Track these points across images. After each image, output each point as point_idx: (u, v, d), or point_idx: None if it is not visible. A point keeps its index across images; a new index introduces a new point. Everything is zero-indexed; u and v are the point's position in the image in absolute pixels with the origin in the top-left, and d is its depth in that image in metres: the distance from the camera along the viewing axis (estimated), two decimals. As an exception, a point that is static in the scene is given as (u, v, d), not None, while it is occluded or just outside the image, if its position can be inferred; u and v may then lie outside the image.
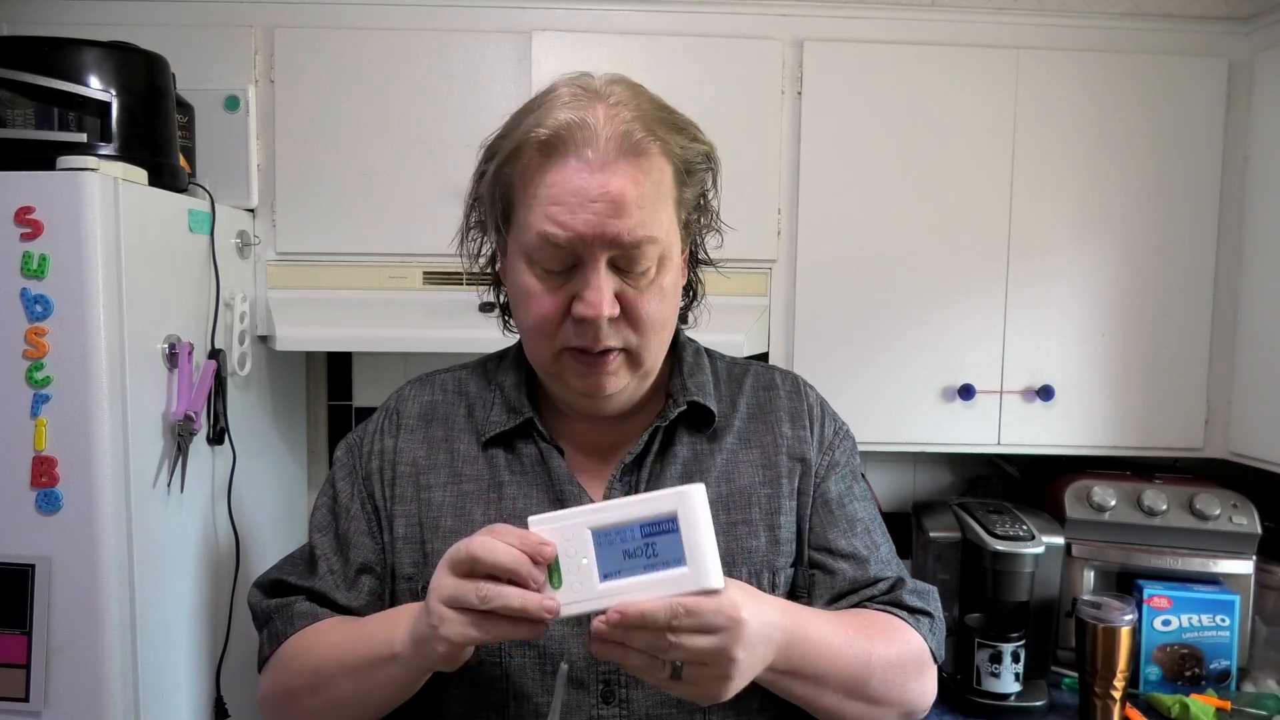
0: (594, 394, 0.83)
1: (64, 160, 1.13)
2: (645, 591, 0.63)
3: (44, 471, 1.11)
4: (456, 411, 0.92)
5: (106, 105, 1.24)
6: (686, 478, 0.86)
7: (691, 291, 0.95)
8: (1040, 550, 1.58)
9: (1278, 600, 1.66)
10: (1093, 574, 1.70)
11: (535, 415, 0.88)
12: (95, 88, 1.23)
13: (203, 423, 1.35)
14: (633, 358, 0.82)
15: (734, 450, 0.90)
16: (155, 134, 1.32)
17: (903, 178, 1.66)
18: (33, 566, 1.12)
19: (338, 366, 1.93)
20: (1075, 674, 1.59)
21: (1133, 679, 1.56)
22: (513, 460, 0.88)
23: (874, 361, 1.68)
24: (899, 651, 0.83)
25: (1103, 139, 1.66)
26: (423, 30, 1.59)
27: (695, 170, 0.83)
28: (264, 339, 1.60)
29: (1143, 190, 1.67)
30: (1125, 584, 1.68)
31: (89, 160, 1.13)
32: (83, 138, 1.23)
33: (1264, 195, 1.63)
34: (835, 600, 0.88)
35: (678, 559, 0.64)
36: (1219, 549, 1.66)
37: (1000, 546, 1.56)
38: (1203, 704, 1.50)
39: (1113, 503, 1.68)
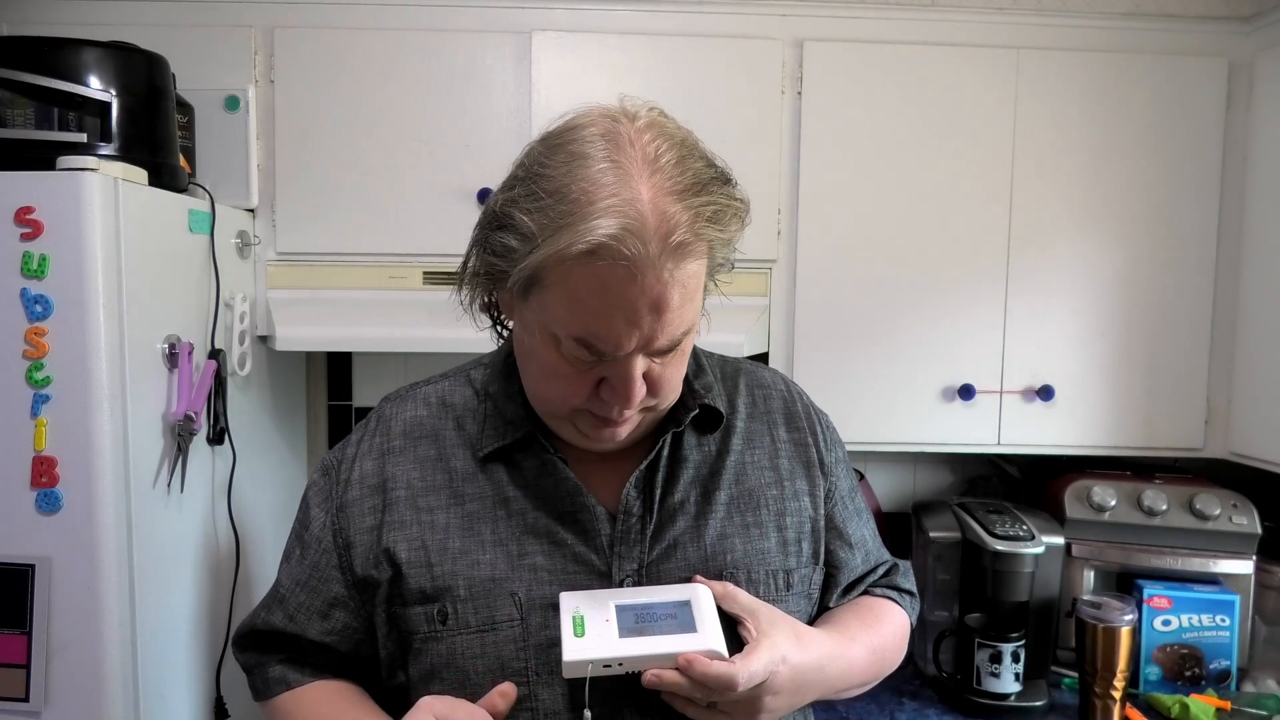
0: (605, 444, 0.81)
1: (64, 160, 1.13)
2: (658, 647, 0.72)
3: (44, 471, 1.11)
4: (444, 427, 0.87)
5: (106, 105, 1.24)
6: (699, 483, 0.85)
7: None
8: (1040, 550, 1.58)
9: (1278, 600, 1.66)
10: (1093, 574, 1.70)
11: (535, 427, 0.84)
12: (95, 88, 1.24)
13: (203, 423, 1.35)
14: (650, 410, 0.81)
15: (740, 451, 0.88)
16: (155, 134, 1.32)
17: (903, 178, 1.66)
18: (33, 566, 1.12)
19: (338, 366, 1.93)
20: (1075, 674, 1.59)
21: (1133, 679, 1.56)
22: (515, 474, 0.84)
23: (874, 361, 1.68)
24: (899, 637, 0.94)
25: (1103, 139, 1.66)
26: (423, 30, 1.59)
27: (730, 244, 0.77)
28: (264, 339, 1.60)
29: (1143, 190, 1.67)
30: (1125, 584, 1.68)
31: (89, 160, 1.13)
32: (83, 138, 1.23)
33: (1264, 195, 1.63)
34: (847, 591, 0.94)
35: (687, 627, 0.73)
36: (1219, 549, 1.66)
37: (1000, 546, 1.56)
38: (1203, 704, 1.50)
39: (1113, 503, 1.68)
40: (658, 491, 0.83)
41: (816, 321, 1.68)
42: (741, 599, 0.78)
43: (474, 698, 0.75)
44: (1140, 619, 1.59)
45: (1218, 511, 1.64)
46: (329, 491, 0.87)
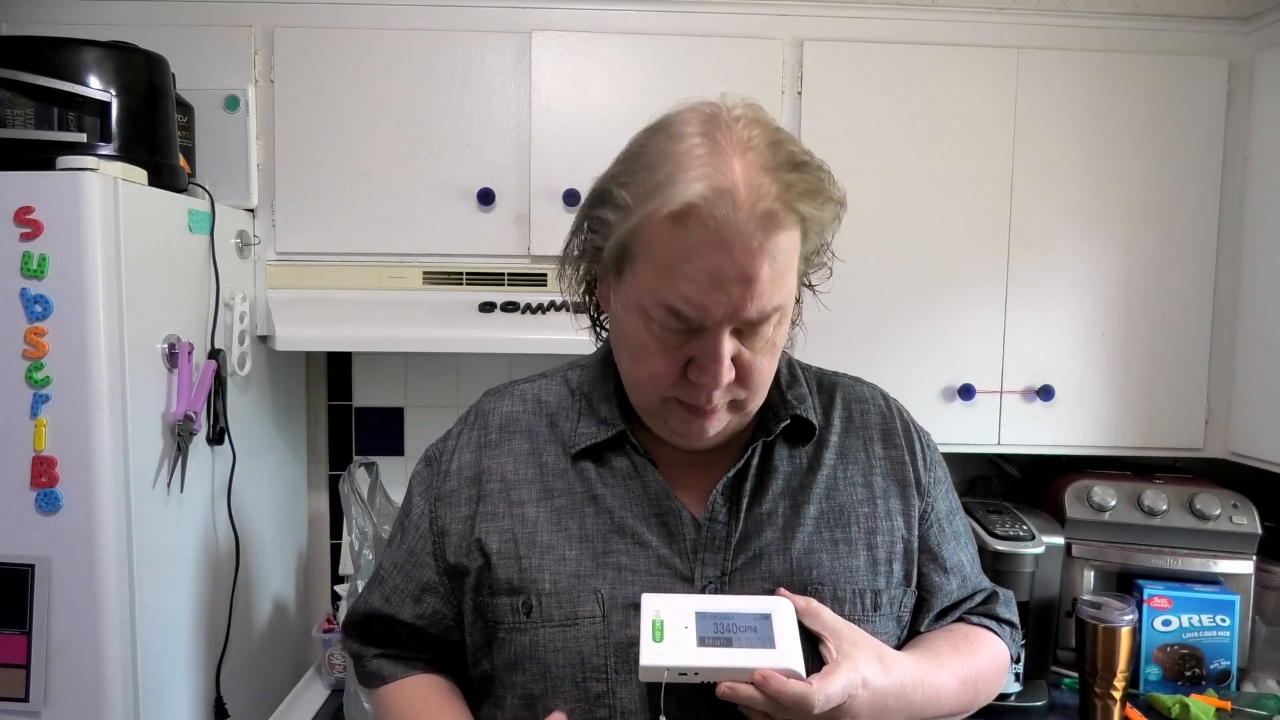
0: (695, 440, 0.81)
1: (64, 160, 1.13)
2: (735, 659, 0.72)
3: (44, 471, 1.11)
4: (539, 423, 0.89)
5: (106, 105, 1.24)
6: (788, 495, 0.84)
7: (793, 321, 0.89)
8: (1040, 550, 1.58)
9: (1278, 600, 1.66)
10: (1093, 574, 1.70)
11: (628, 427, 0.84)
12: (95, 88, 1.24)
13: (202, 423, 1.35)
14: (738, 406, 0.80)
15: (832, 466, 0.87)
16: (155, 134, 1.32)
17: (903, 178, 1.66)
18: (32, 566, 1.12)
19: (338, 366, 1.93)
20: (1075, 674, 1.59)
21: (1133, 679, 1.56)
22: (604, 473, 0.84)
23: (874, 361, 1.68)
24: (996, 670, 0.92)
25: (1103, 139, 1.66)
26: (423, 30, 1.58)
27: (825, 229, 0.78)
28: (264, 339, 1.60)
29: (1143, 190, 1.67)
30: (1125, 584, 1.68)
31: (89, 160, 1.13)
32: (82, 138, 1.23)
33: (1264, 195, 1.63)
34: (940, 616, 0.91)
35: (766, 642, 0.73)
36: (1219, 549, 1.66)
37: (1001, 546, 1.56)
38: (1203, 704, 1.50)
39: (1113, 503, 1.68)
40: (745, 500, 0.82)
41: (816, 320, 1.67)
42: (824, 617, 0.77)
43: (554, 691, 0.78)
44: (1140, 619, 1.59)
45: (1218, 511, 1.64)
46: (430, 481, 0.90)
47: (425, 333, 1.60)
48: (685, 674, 0.72)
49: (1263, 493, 1.68)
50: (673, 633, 0.72)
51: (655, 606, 0.75)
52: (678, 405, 0.78)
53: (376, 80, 1.58)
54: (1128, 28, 1.66)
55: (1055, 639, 1.68)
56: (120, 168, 1.17)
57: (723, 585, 0.80)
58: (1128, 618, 1.50)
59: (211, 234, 1.41)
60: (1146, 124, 1.66)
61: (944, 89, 1.64)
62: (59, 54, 1.22)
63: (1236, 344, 1.68)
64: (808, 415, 0.86)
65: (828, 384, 0.94)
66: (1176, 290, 1.69)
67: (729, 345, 0.74)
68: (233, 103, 1.57)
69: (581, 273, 0.85)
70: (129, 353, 1.16)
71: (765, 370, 0.78)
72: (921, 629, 0.89)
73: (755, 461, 0.84)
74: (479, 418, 0.91)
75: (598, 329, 0.92)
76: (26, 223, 1.10)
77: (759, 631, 0.74)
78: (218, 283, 1.42)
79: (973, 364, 1.69)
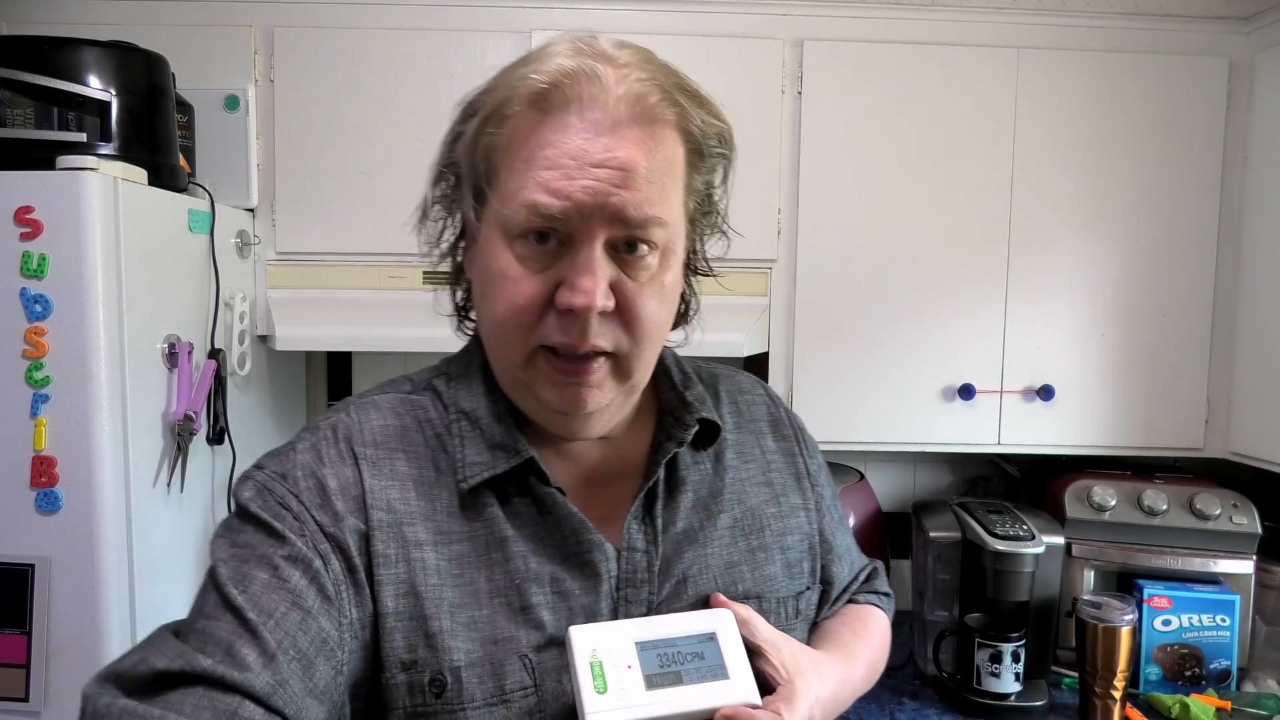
0: (571, 409, 0.68)
1: (63, 160, 1.13)
2: (690, 700, 0.64)
3: (44, 471, 1.11)
4: (418, 442, 0.71)
5: (106, 105, 1.24)
6: (700, 507, 0.76)
7: (684, 304, 0.79)
8: (1040, 550, 1.58)
9: (1278, 600, 1.66)
10: (1093, 574, 1.70)
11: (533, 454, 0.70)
12: (95, 87, 1.24)
13: (202, 422, 1.35)
14: (620, 367, 0.68)
15: (736, 468, 0.79)
16: (155, 134, 1.32)
17: (903, 177, 1.66)
18: (32, 566, 1.12)
19: (338, 366, 1.93)
20: (1075, 674, 1.59)
21: (1133, 679, 1.56)
22: (509, 509, 0.69)
23: (874, 361, 1.68)
24: (886, 646, 0.91)
25: (1103, 139, 1.66)
26: (422, 30, 1.59)
27: (710, 154, 0.71)
28: (264, 339, 1.60)
29: (1143, 190, 1.67)
30: (1125, 584, 1.68)
31: (88, 160, 1.13)
32: (82, 137, 1.23)
33: (1264, 195, 1.63)
34: (834, 603, 0.88)
35: (717, 672, 0.66)
36: (1219, 549, 1.65)
37: (1001, 546, 1.56)
38: (1203, 704, 1.50)
39: (1113, 502, 1.68)
40: (659, 521, 0.72)
41: (817, 321, 1.68)
42: (761, 629, 0.71)
43: None
44: (1140, 619, 1.59)
45: (1218, 511, 1.64)
46: (293, 497, 0.66)
47: (425, 332, 1.59)
48: None
49: (1263, 492, 1.68)
50: (615, 677, 0.63)
51: (588, 644, 0.64)
52: (547, 364, 0.66)
53: (376, 80, 1.58)
54: (1127, 28, 1.66)
55: (1055, 639, 1.68)
56: (120, 167, 1.17)
57: None
58: (1128, 617, 1.50)
59: (211, 234, 1.41)
60: (1146, 124, 1.66)
61: (944, 88, 1.64)
62: (59, 54, 1.22)
63: (1236, 344, 1.68)
64: (712, 416, 0.77)
65: (709, 378, 0.85)
66: (1176, 290, 1.69)
67: (604, 262, 0.64)
68: (233, 102, 1.57)
69: (444, 232, 0.74)
70: (129, 352, 1.16)
71: (651, 316, 0.67)
72: (818, 619, 0.85)
73: (662, 475, 0.74)
74: (338, 431, 0.70)
75: (463, 320, 0.79)
76: (26, 222, 1.10)
77: (707, 658, 0.66)
78: (218, 282, 1.42)
79: (973, 364, 1.69)
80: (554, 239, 0.64)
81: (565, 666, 0.65)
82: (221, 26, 1.58)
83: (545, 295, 0.65)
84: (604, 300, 0.64)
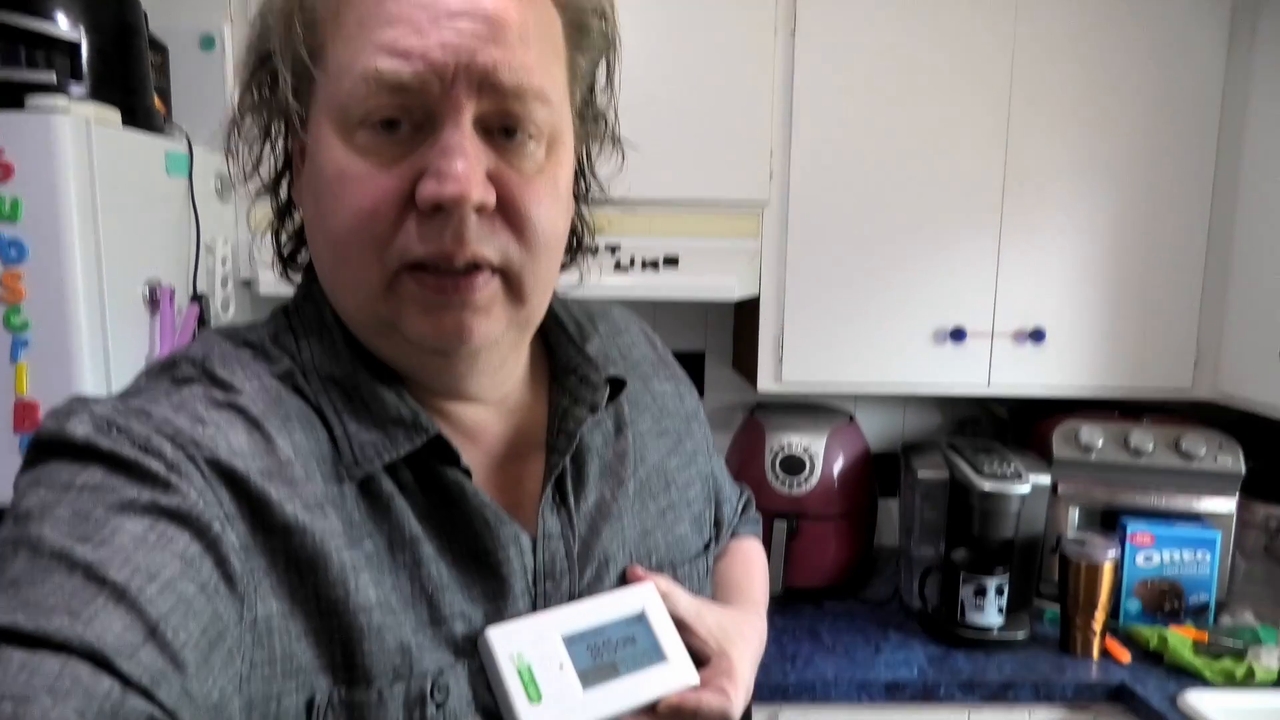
0: (452, 342, 0.52)
1: (33, 101, 1.10)
2: (633, 694, 0.59)
3: (26, 416, 1.10)
4: (306, 413, 0.54)
5: (75, 45, 1.20)
6: (610, 475, 0.64)
7: (574, 235, 0.64)
8: (1027, 490, 1.59)
9: (1258, 537, 1.69)
10: (1077, 512, 1.72)
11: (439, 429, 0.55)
12: (63, 26, 1.20)
13: (188, 368, 1.34)
14: (512, 285, 0.53)
15: (634, 423, 0.68)
16: (128, 74, 1.28)
17: (897, 118, 1.63)
18: (22, 511, 1.12)
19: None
20: (1057, 606, 1.62)
21: (1113, 612, 1.59)
22: (411, 499, 0.55)
23: (866, 304, 1.68)
24: (768, 579, 0.84)
25: (1102, 78, 1.63)
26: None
27: (589, 32, 0.57)
28: (247, 284, 1.58)
29: (1140, 131, 1.64)
30: (1110, 522, 1.71)
31: (59, 100, 1.10)
32: (52, 77, 1.19)
33: (1262, 137, 1.60)
34: (719, 541, 0.81)
35: (653, 655, 0.61)
36: (1203, 488, 1.67)
37: (989, 486, 1.58)
38: (1180, 636, 1.53)
39: (1100, 443, 1.69)
40: (571, 499, 0.61)
41: (809, 264, 1.67)
42: (683, 601, 0.64)
43: None
44: (1122, 555, 1.61)
45: (1203, 451, 1.66)
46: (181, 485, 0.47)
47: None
48: None
49: (1247, 433, 1.70)
50: (547, 680, 0.55)
51: (510, 646, 0.54)
52: (418, 286, 0.51)
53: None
54: (1128, -42, 1.62)
55: (1039, 574, 1.71)
56: (92, 108, 1.14)
57: None
58: (1110, 554, 1.53)
59: (190, 176, 1.38)
60: (1146, 65, 1.62)
61: (941, 27, 1.60)
62: (23, -11, 1.18)
63: (1229, 286, 1.67)
64: (621, 373, 0.64)
65: (585, 319, 0.71)
66: (1172, 231, 1.68)
67: (477, 143, 0.50)
68: (208, 42, 1.52)
69: (262, 156, 0.59)
70: (109, 297, 1.15)
71: (544, 218, 0.52)
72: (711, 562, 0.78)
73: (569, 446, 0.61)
74: (211, 389, 0.51)
75: (287, 263, 0.64)
76: (-3, 164, 1.07)
77: (640, 641, 0.60)
78: (198, 226, 1.39)
79: (965, 307, 1.68)
80: (406, 124, 0.49)
81: (485, 680, 0.54)
82: (193, -40, 1.53)
83: (401, 194, 0.49)
84: (482, 191, 0.49)
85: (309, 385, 0.55)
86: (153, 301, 1.25)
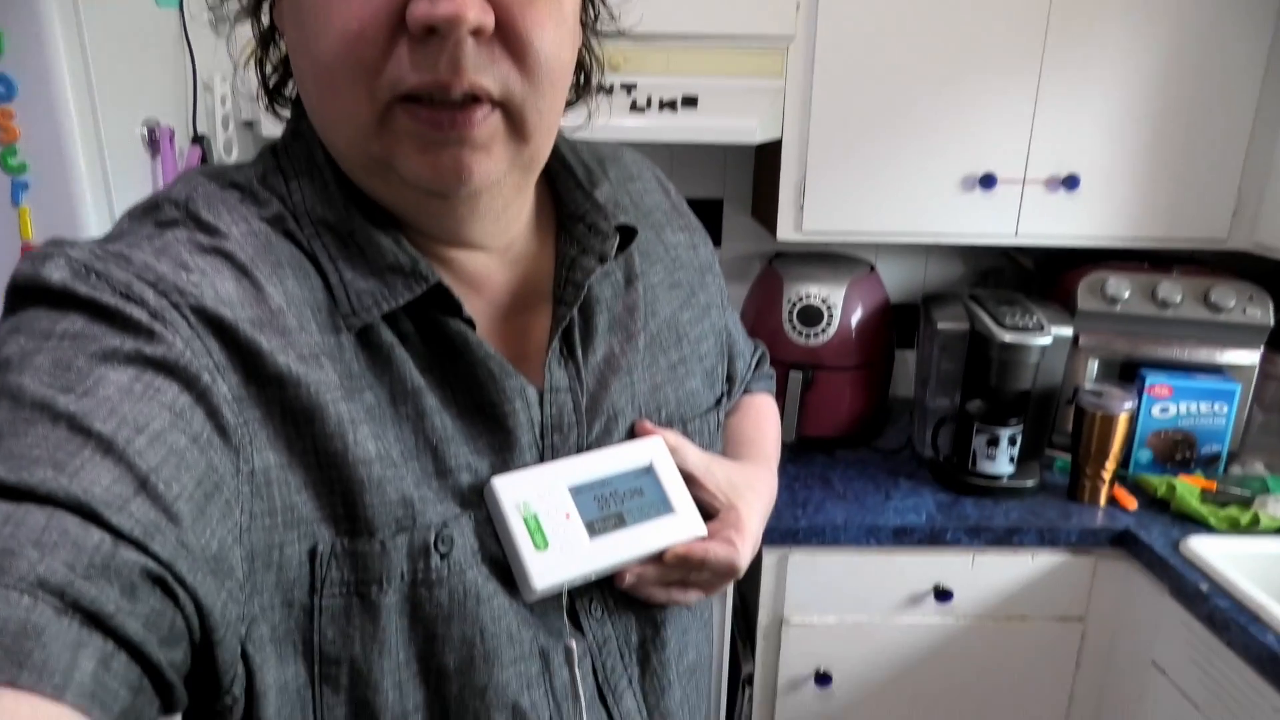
0: (450, 183, 0.49)
1: (1, -84, 1.01)
2: (639, 543, 0.59)
3: (36, 261, 1.09)
4: (299, 259, 0.51)
5: None
6: (620, 327, 0.63)
7: (582, 69, 0.61)
8: (1048, 342, 1.58)
9: (1278, 390, 1.68)
10: (1096, 364, 1.71)
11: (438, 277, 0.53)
12: None
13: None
14: (514, 120, 0.50)
15: (645, 274, 0.65)
16: (101, -114, 1.18)
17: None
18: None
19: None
20: (1069, 456, 1.64)
21: (1124, 462, 1.61)
22: (411, 350, 0.53)
23: (895, 148, 1.60)
24: (780, 434, 0.83)
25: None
26: None
27: None
28: (250, 125, 1.52)
29: (1205, -49, 1.50)
30: (1129, 374, 1.70)
31: (29, -84, 1.01)
32: (19, -110, 1.09)
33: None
34: (732, 396, 0.81)
35: (661, 507, 0.61)
36: (1228, 340, 1.65)
37: (1009, 338, 1.56)
38: (1189, 484, 1.56)
39: (1126, 294, 1.66)
40: (579, 351, 0.59)
41: (835, 105, 1.58)
42: (692, 455, 0.64)
43: (492, 659, 0.52)
44: (1139, 407, 1.61)
45: (1232, 303, 1.62)
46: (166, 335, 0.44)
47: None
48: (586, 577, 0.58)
49: (1277, 287, 1.65)
50: (554, 529, 0.55)
51: (516, 495, 0.54)
52: (411, 120, 0.47)
53: None
54: None
55: (1053, 426, 1.72)
56: (66, -74, 1.05)
57: None
58: (1127, 405, 1.53)
59: (181, 8, 1.30)
60: None
61: None
62: None
63: (1278, 135, 1.58)
64: (632, 221, 0.62)
65: (597, 163, 0.67)
66: (1223, 75, 1.56)
67: None
68: None
69: None
70: (106, 137, 1.11)
71: (550, 46, 0.48)
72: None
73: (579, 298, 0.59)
74: (196, 234, 0.49)
75: (274, 99, 0.59)
76: (-28, -10, 1.00)
77: (647, 493, 0.60)
78: (193, 62, 1.32)
79: (997, 152, 1.60)
80: None
81: (491, 530, 0.54)
82: None
83: (391, 14, 0.45)
84: (479, 12, 0.45)
85: (301, 230, 0.52)
86: (152, 143, 1.21)
